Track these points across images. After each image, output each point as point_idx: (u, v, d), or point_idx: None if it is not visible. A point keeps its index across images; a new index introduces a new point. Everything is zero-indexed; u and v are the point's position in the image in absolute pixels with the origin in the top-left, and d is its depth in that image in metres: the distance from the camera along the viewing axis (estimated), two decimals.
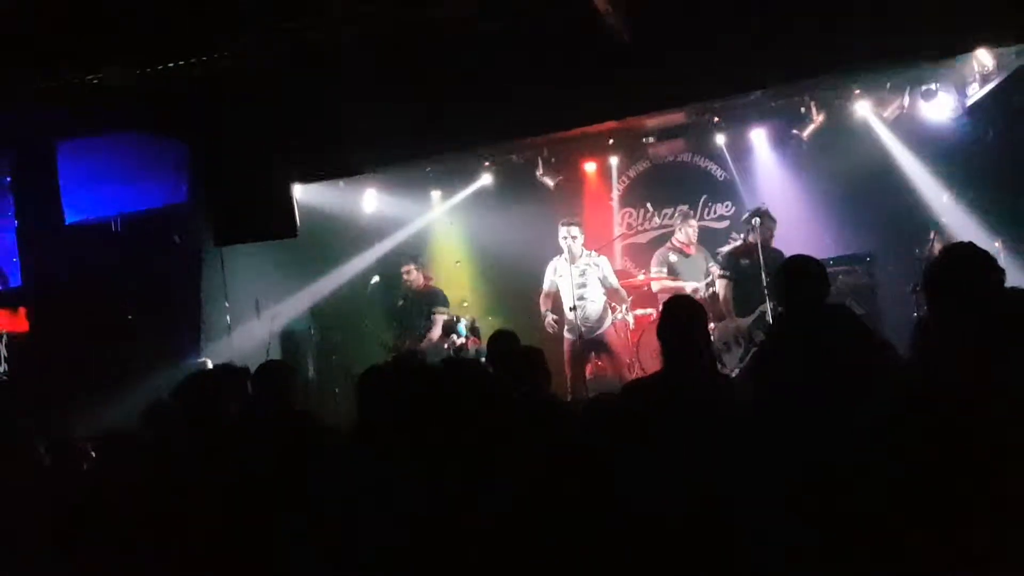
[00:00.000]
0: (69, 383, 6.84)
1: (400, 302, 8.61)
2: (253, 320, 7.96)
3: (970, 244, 3.11)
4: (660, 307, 7.40)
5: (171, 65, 5.37)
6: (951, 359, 2.69)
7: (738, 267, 7.61)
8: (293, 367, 5.08)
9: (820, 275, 3.56)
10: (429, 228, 10.03)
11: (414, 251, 9.06)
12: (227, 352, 7.32)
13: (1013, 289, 3.11)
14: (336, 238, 9.02)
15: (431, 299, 8.46)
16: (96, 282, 7.27)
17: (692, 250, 8.40)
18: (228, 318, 7.62)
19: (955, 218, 7.78)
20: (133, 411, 5.54)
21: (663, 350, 3.48)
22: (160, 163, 7.49)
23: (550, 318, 8.15)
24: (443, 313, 8.41)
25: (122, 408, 5.75)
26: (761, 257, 7.21)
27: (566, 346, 8.05)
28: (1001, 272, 2.95)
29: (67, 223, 7.42)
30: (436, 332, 8.27)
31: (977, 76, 7.29)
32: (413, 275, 8.48)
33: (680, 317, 3.50)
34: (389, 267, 8.95)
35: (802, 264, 3.64)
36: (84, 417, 5.94)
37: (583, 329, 7.87)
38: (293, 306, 8.69)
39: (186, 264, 7.52)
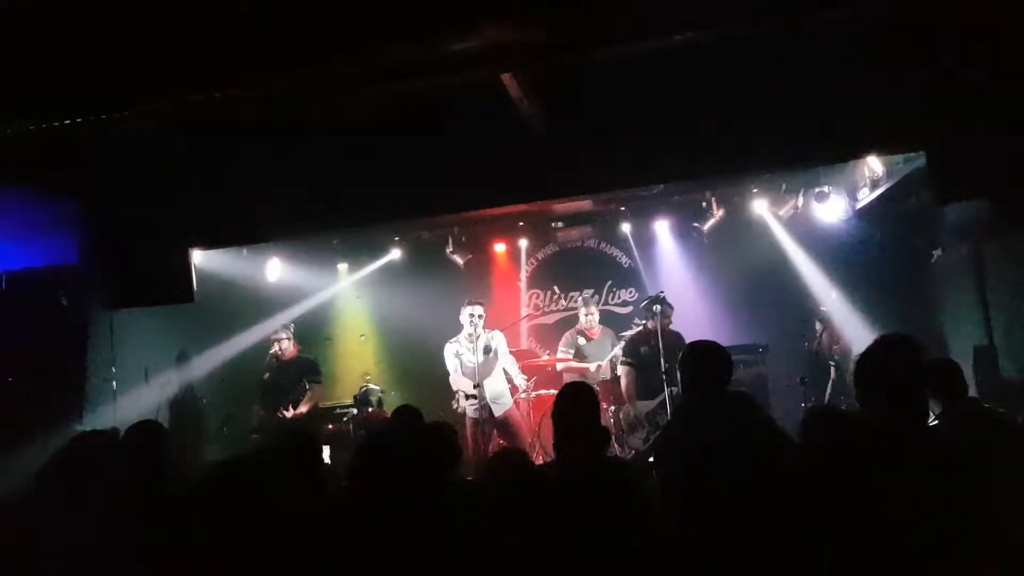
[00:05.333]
0: None
1: (265, 375, 8.29)
2: (142, 387, 7.59)
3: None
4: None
5: (66, 122, 5.10)
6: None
7: (639, 354, 7.77)
8: (163, 427, 4.75)
9: (726, 362, 3.63)
10: (334, 300, 9.90)
11: (297, 321, 8.83)
12: (111, 420, 6.93)
13: None
14: (236, 306, 8.74)
15: (302, 368, 8.21)
16: None
17: (596, 334, 8.57)
18: (115, 384, 7.25)
19: (842, 314, 8.17)
20: (6, 478, 5.25)
21: (555, 434, 3.48)
22: (50, 222, 7.16)
23: (463, 398, 7.85)
24: (318, 384, 8.22)
25: None
26: (660, 343, 7.39)
27: (468, 425, 7.91)
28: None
29: None
30: (307, 406, 8.03)
31: (867, 181, 7.70)
32: (285, 344, 8.21)
33: (573, 403, 3.53)
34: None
35: (709, 350, 3.70)
36: None
37: (489, 408, 7.73)
38: (186, 374, 8.34)
39: (73, 327, 7.14)
